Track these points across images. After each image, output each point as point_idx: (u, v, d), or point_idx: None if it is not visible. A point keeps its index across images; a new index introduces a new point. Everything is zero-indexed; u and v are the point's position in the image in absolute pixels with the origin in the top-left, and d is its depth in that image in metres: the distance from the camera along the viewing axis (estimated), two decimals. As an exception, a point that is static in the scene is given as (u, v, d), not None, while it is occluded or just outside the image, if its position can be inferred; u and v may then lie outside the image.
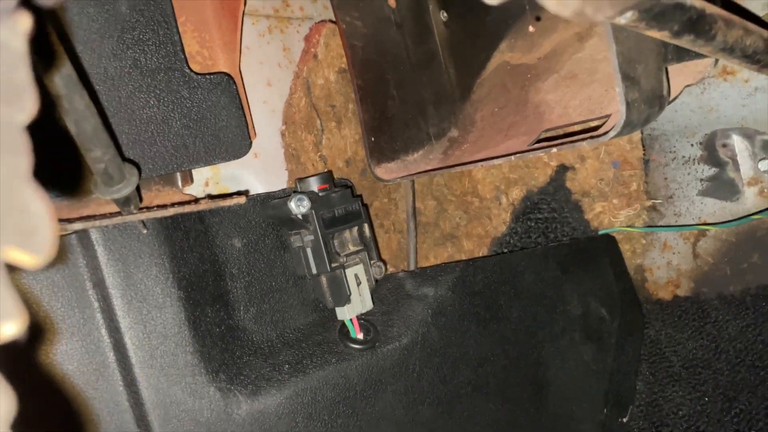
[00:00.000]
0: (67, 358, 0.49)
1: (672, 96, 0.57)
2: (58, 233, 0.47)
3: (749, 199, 0.80)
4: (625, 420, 0.80)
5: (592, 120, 0.56)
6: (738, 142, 0.80)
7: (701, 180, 0.83)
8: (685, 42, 0.34)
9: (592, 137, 0.50)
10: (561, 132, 0.61)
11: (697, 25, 0.33)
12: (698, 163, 0.84)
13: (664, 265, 0.87)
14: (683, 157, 0.85)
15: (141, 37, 0.52)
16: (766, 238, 0.78)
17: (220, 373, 0.55)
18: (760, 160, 0.78)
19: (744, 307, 0.79)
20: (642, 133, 0.84)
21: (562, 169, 0.83)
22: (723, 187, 0.82)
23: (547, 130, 0.61)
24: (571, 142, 0.52)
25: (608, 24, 0.45)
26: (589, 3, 0.25)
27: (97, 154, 0.41)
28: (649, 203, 0.86)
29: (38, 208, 0.17)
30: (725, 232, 0.81)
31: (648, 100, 0.51)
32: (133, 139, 0.51)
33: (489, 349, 0.71)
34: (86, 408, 0.49)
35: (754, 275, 0.79)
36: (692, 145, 0.84)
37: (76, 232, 0.48)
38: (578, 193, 0.83)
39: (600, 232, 0.85)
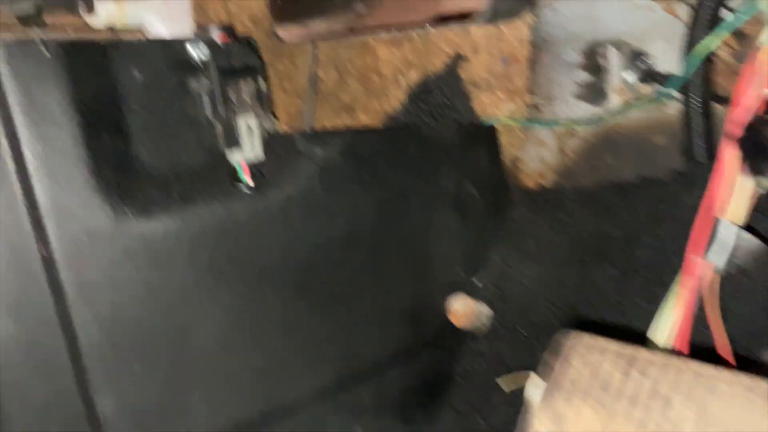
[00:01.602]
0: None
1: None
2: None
3: (613, 106, 0.91)
4: (477, 282, 0.93)
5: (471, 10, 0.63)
6: (612, 53, 0.89)
7: (578, 84, 0.93)
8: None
9: (463, 22, 0.57)
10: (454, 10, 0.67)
11: None
12: (577, 69, 0.93)
13: (536, 158, 0.98)
14: (566, 61, 0.94)
15: None
16: (618, 141, 0.90)
17: (113, 194, 0.61)
18: (627, 72, 0.89)
19: (593, 199, 0.91)
20: (533, 35, 0.92)
21: (457, 58, 0.90)
22: (594, 92, 0.92)
23: (441, 16, 0.67)
24: (448, 24, 0.59)
25: None
26: None
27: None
28: (530, 100, 0.95)
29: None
30: (588, 133, 0.92)
31: (517, -7, 0.58)
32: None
33: (367, 209, 0.80)
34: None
35: (605, 172, 0.91)
36: (575, 51, 0.92)
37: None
38: (468, 82, 0.92)
39: (483, 122, 0.94)
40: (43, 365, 0.59)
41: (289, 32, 0.72)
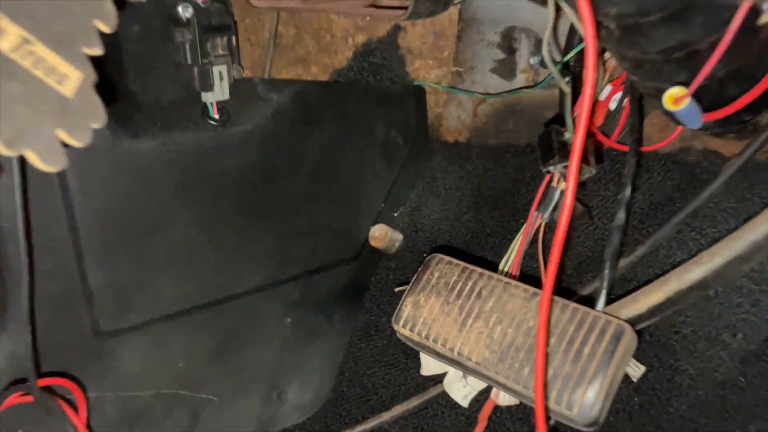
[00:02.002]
0: None
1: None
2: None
3: (519, 82, 1.11)
4: (395, 215, 1.15)
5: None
6: (523, 39, 1.09)
7: (494, 60, 1.13)
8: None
9: (390, 16, 0.76)
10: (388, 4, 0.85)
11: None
12: (495, 48, 1.12)
13: (455, 117, 1.19)
14: (488, 40, 1.13)
15: None
16: (519, 111, 1.11)
17: (111, 119, 0.78)
18: (532, 56, 1.09)
19: (493, 156, 1.13)
20: (461, 16, 1.10)
21: (397, 28, 1.08)
22: (506, 69, 1.12)
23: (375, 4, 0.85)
24: (381, 14, 0.78)
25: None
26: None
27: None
28: (455, 69, 1.14)
29: None
30: (497, 101, 1.13)
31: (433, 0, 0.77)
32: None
33: (310, 147, 0.99)
34: None
35: (506, 136, 1.13)
36: (495, 33, 1.12)
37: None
38: (405, 49, 1.10)
39: (414, 83, 1.13)
40: (51, 244, 0.77)
41: (259, 0, 0.88)
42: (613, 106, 0.89)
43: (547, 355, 0.56)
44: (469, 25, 1.13)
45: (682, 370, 0.78)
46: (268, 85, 0.94)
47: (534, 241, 0.76)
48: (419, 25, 1.08)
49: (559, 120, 0.75)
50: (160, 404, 0.90)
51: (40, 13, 0.49)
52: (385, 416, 0.96)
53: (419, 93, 1.15)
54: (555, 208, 0.74)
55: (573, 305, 0.58)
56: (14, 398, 0.63)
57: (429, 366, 0.78)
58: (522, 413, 0.84)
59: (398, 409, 0.95)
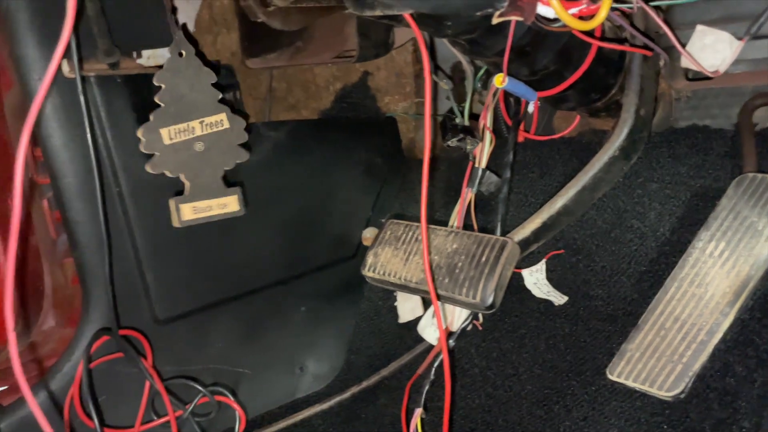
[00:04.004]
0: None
1: (398, 43, 1.13)
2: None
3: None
4: (383, 220, 1.41)
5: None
6: (468, 69, 1.38)
7: (444, 90, 1.41)
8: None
9: (347, 60, 1.05)
10: (344, 54, 1.15)
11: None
12: (443, 78, 1.40)
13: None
14: (441, 75, 1.42)
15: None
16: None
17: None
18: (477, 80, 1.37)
19: (454, 162, 1.39)
20: (417, 59, 1.39)
21: (366, 73, 1.38)
22: (458, 95, 1.40)
23: (342, 52, 1.15)
24: (344, 59, 1.07)
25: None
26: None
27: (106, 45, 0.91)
28: (417, 100, 1.43)
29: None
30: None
31: (376, 45, 1.06)
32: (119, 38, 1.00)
33: (305, 171, 1.27)
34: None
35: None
36: (447, 68, 1.40)
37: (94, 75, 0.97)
38: (374, 89, 1.39)
39: (386, 115, 1.42)
40: (119, 253, 1.05)
41: (253, 62, 1.19)
42: (531, 109, 1.16)
43: (459, 267, 0.81)
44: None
45: (597, 296, 1.02)
46: (268, 126, 1.24)
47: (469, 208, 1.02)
48: (383, 70, 1.38)
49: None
50: (207, 376, 1.16)
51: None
52: (384, 372, 1.20)
53: (391, 122, 1.43)
54: (479, 182, 1.00)
55: (477, 234, 0.84)
56: (102, 340, 0.91)
57: (403, 315, 1.03)
58: (476, 335, 1.07)
59: (394, 365, 1.19)
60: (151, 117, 0.94)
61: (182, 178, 0.96)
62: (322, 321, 1.31)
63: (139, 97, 1.02)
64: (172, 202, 0.96)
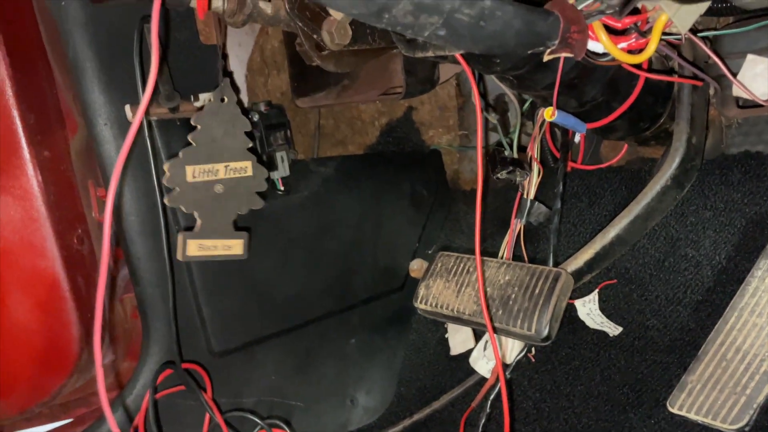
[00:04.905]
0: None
1: (443, 79, 1.15)
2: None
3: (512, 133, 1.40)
4: (429, 252, 1.43)
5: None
6: (510, 101, 1.39)
7: (489, 121, 1.43)
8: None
9: (394, 97, 1.08)
10: (390, 91, 1.18)
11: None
12: (491, 112, 1.43)
13: (468, 170, 1.48)
14: (484, 107, 1.44)
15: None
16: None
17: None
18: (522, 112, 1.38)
19: (500, 193, 1.40)
20: (460, 92, 1.42)
21: (410, 108, 1.41)
22: (502, 127, 1.42)
23: (389, 89, 1.18)
24: (390, 96, 1.10)
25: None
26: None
27: (168, 91, 0.96)
28: (461, 133, 1.45)
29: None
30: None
31: (422, 81, 1.09)
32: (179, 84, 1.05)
33: (354, 204, 1.30)
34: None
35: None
36: (491, 100, 1.42)
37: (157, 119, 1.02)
38: (418, 123, 1.42)
39: (430, 147, 1.44)
40: (178, 285, 1.08)
41: (302, 102, 1.23)
42: (577, 139, 1.17)
43: (513, 298, 0.81)
44: (467, 99, 1.45)
45: (653, 326, 1.00)
46: (317, 162, 1.27)
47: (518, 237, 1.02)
48: (426, 104, 1.41)
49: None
50: (261, 409, 1.18)
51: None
52: (436, 404, 1.19)
53: (436, 155, 1.45)
54: (528, 213, 1.00)
55: (529, 265, 0.84)
56: (167, 373, 0.94)
57: (455, 347, 1.04)
58: (529, 367, 1.07)
59: (446, 398, 1.19)
60: (181, 154, 0.96)
61: (196, 215, 0.99)
62: (372, 353, 1.32)
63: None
64: (180, 236, 0.98)
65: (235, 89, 1.04)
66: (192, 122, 0.98)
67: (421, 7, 0.51)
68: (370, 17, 0.51)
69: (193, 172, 0.98)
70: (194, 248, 1.00)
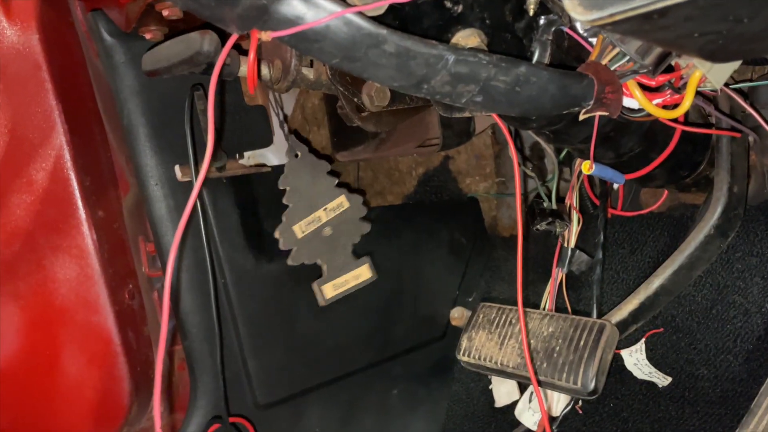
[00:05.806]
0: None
1: (478, 130, 1.18)
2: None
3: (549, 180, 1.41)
4: (470, 299, 1.43)
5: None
6: (547, 150, 1.41)
7: (530, 168, 1.44)
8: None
9: (430, 150, 1.11)
10: (427, 143, 1.21)
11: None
12: (527, 163, 1.44)
13: (507, 217, 1.49)
14: (522, 154, 1.45)
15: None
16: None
17: (255, 252, 1.15)
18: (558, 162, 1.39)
19: (540, 239, 1.40)
20: (496, 141, 1.44)
21: (447, 157, 1.44)
22: (539, 172, 1.43)
23: (425, 141, 1.21)
24: (425, 150, 1.13)
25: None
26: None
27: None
28: (498, 180, 1.46)
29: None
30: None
31: (458, 134, 1.11)
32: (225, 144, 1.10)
33: (393, 254, 1.32)
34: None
35: (548, 224, 1.41)
36: (527, 149, 1.44)
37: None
38: (455, 171, 1.44)
39: (468, 195, 1.46)
40: (225, 339, 1.10)
41: (342, 156, 1.27)
42: (616, 186, 1.17)
43: (557, 351, 0.81)
44: (503, 146, 1.47)
45: (703, 376, 0.98)
46: (357, 213, 1.30)
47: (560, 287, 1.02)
48: (463, 153, 1.43)
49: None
50: (308, 462, 1.18)
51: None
52: (481, 457, 1.18)
53: (474, 202, 1.47)
54: (569, 262, 1.00)
55: (573, 317, 0.84)
56: (215, 427, 0.95)
57: (499, 399, 1.03)
58: (576, 419, 1.05)
59: (490, 451, 1.17)
60: (284, 218, 1.04)
61: (319, 262, 1.08)
62: (415, 404, 1.31)
63: (242, 195, 1.10)
64: (315, 285, 1.07)
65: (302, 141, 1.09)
66: (280, 186, 1.04)
67: (459, 77, 0.54)
68: (409, 89, 0.54)
69: (301, 228, 1.07)
70: (330, 291, 1.11)
